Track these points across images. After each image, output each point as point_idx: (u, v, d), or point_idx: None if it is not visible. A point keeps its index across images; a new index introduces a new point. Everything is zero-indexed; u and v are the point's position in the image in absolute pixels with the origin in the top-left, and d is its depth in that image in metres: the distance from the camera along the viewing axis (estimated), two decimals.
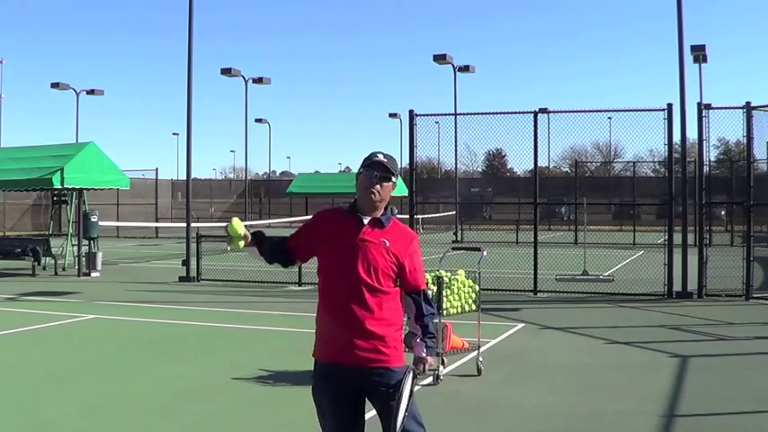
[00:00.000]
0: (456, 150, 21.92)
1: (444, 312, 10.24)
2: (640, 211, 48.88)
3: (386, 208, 5.27)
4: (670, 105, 18.36)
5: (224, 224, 5.32)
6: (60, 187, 23.37)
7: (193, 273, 22.19)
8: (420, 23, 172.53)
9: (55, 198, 27.35)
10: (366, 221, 5.18)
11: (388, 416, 4.94)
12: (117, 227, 44.37)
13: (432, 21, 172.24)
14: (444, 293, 10.28)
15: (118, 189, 29.68)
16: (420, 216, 35.82)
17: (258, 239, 5.35)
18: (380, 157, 5.20)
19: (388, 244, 5.15)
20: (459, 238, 41.16)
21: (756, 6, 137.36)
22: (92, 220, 24.09)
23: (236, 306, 17.38)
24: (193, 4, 22.66)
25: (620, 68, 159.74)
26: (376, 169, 5.17)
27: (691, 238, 19.27)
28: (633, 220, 41.93)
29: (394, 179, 5.23)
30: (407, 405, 4.90)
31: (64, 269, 24.86)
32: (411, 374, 5.04)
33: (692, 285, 18.21)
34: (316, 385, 5.13)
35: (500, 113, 20.02)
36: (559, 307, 17.30)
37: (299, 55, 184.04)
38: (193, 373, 10.77)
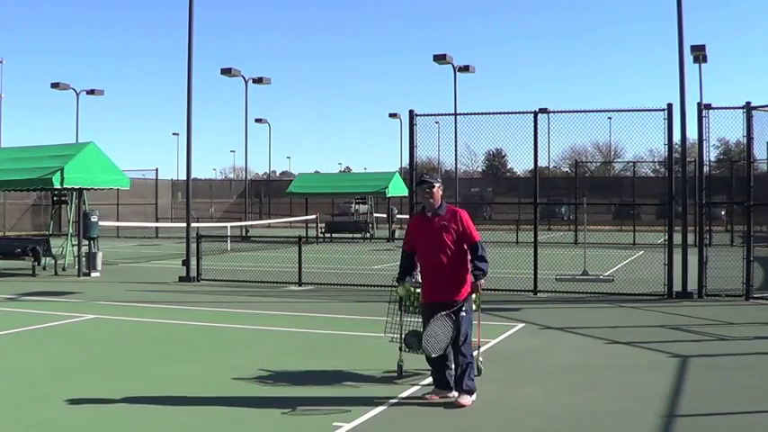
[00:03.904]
0: (456, 150, 21.95)
1: None
2: (640, 211, 48.88)
3: (441, 204, 9.20)
4: (670, 105, 18.33)
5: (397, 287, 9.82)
6: (60, 187, 23.36)
7: (193, 273, 22.17)
8: (420, 24, 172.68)
9: (55, 198, 27.30)
10: (430, 215, 9.20)
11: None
12: (117, 227, 44.37)
13: (432, 21, 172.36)
14: None
15: (118, 189, 29.66)
16: None
17: (404, 276, 9.67)
18: (425, 176, 9.25)
19: (445, 224, 9.08)
20: None
21: (756, 6, 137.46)
22: (92, 219, 24.07)
23: (237, 306, 17.37)
24: (193, 3, 22.66)
25: (620, 69, 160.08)
26: (424, 184, 9.12)
27: (691, 238, 19.26)
28: (633, 220, 41.91)
29: (437, 185, 9.17)
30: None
31: (64, 269, 24.85)
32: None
33: (692, 285, 18.20)
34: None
35: (500, 113, 19.96)
36: (559, 307, 17.30)
37: (299, 55, 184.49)
38: (193, 373, 10.77)
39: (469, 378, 8.98)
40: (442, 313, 8.76)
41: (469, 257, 9.13)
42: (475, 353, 10.27)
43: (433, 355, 8.82)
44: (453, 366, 9.13)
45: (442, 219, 9.13)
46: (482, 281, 9.06)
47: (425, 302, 9.26)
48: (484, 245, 9.18)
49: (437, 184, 9.15)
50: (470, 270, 9.09)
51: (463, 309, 8.98)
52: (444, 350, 8.80)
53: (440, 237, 9.06)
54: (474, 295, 9.36)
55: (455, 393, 9.00)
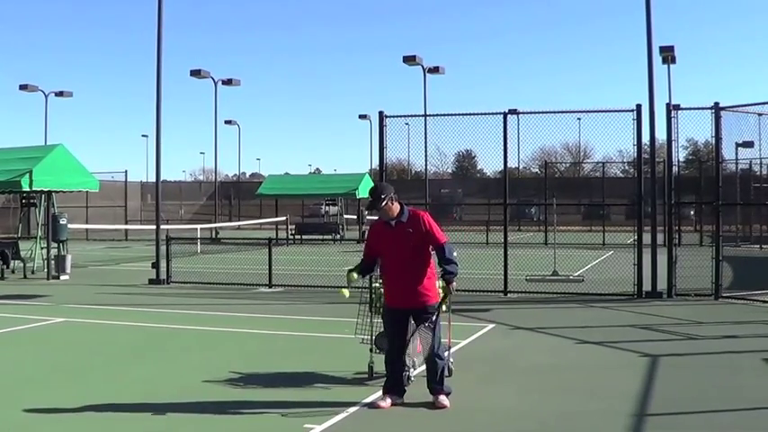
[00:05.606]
0: (426, 151, 21.80)
1: None
2: (610, 212, 49.03)
3: (402, 210, 8.96)
4: (639, 106, 18.42)
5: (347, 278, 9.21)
6: (29, 190, 23.17)
7: (163, 275, 22.07)
8: (389, 22, 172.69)
9: (24, 201, 27.09)
10: (394, 223, 8.99)
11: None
12: (86, 229, 44.07)
13: (401, 20, 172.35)
14: None
15: (87, 191, 29.51)
16: None
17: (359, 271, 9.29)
18: (370, 199, 8.91)
19: (411, 230, 8.90)
20: None
21: (724, 6, 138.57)
22: (61, 222, 23.93)
23: (207, 308, 17.30)
24: (163, 5, 22.53)
25: (589, 66, 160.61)
26: (374, 207, 8.91)
27: (660, 237, 19.37)
28: (603, 221, 42.01)
29: (385, 197, 8.82)
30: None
31: (33, 272, 24.67)
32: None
33: (662, 285, 18.28)
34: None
35: (470, 114, 19.94)
36: (530, 307, 17.34)
37: (268, 55, 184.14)
38: (164, 376, 10.72)
39: (444, 379, 9.03)
40: (422, 327, 8.68)
41: (437, 260, 9.02)
42: (446, 354, 10.27)
43: (425, 361, 8.94)
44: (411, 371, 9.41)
45: (405, 225, 8.95)
46: (454, 283, 8.79)
47: (390, 308, 9.07)
48: (451, 246, 9.03)
49: (384, 197, 8.84)
50: (440, 274, 8.93)
51: (434, 313, 8.87)
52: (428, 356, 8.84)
53: (405, 243, 8.89)
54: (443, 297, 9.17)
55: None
